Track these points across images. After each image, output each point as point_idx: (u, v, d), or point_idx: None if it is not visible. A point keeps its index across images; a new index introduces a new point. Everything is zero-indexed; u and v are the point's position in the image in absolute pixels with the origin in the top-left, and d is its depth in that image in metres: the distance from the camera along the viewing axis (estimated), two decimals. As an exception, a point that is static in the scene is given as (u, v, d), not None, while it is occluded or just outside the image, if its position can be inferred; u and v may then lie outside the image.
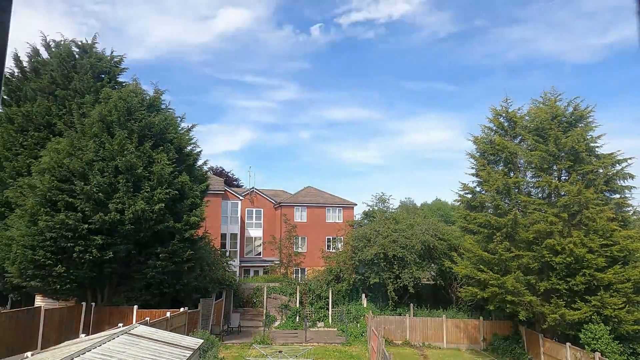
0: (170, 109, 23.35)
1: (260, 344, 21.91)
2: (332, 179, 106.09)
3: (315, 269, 34.29)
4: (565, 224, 20.45)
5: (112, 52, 25.36)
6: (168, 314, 17.54)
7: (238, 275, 36.84)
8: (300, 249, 41.30)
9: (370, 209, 32.00)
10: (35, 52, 24.16)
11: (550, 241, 19.95)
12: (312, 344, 23.02)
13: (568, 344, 18.96)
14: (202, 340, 13.51)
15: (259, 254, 45.09)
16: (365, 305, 27.97)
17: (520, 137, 24.39)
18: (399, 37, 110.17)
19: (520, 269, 21.11)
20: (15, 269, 18.28)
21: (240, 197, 41.67)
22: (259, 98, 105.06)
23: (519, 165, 23.96)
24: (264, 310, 29.12)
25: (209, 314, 23.75)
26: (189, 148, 23.43)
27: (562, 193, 21.76)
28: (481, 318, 25.51)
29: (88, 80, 22.77)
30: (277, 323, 28.66)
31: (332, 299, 29.57)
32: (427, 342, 25.30)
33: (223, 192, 38.25)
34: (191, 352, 10.79)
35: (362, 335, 24.95)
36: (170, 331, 15.71)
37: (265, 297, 29.57)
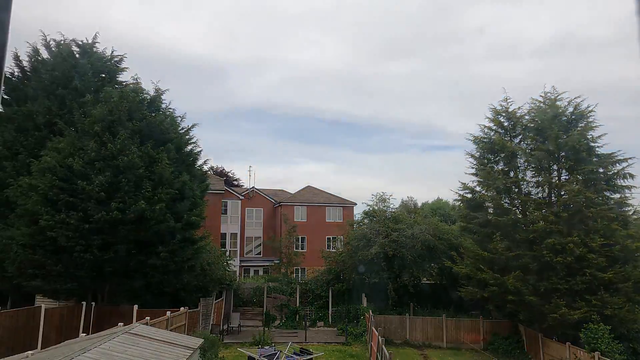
0: (171, 108, 23.38)
1: (259, 343, 21.90)
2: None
3: (315, 268, 34.29)
4: (565, 223, 20.44)
5: (112, 52, 25.38)
6: (168, 314, 17.54)
7: (238, 274, 36.84)
8: (300, 248, 41.30)
9: (371, 209, 31.96)
10: (36, 51, 24.15)
11: (551, 241, 19.94)
12: (312, 343, 23.03)
13: (568, 343, 18.97)
14: (202, 340, 13.53)
15: (259, 253, 45.11)
16: (365, 305, 27.94)
17: (520, 137, 24.38)
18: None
19: (520, 269, 21.12)
20: (15, 268, 18.28)
21: (241, 197, 41.67)
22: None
23: (519, 165, 23.95)
24: (264, 310, 29.11)
25: (209, 314, 23.76)
26: (189, 148, 23.45)
27: (562, 193, 21.77)
28: (481, 318, 25.50)
29: (88, 79, 22.77)
30: (277, 322, 28.65)
31: (332, 298, 29.56)
32: (427, 342, 25.29)
33: (223, 192, 38.26)
34: (191, 352, 10.80)
35: (362, 335, 24.95)
36: (171, 331, 15.73)
37: (265, 296, 29.55)
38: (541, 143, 22.01)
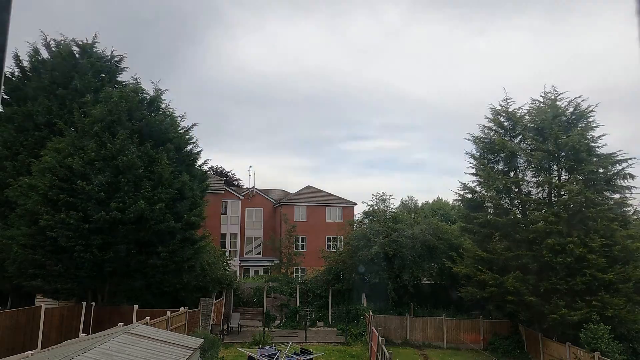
0: (171, 108, 23.36)
1: (259, 343, 21.90)
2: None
3: (315, 268, 34.27)
4: (565, 223, 20.44)
5: (112, 52, 25.37)
6: (168, 314, 17.54)
7: (238, 274, 36.83)
8: (300, 248, 41.29)
9: (371, 209, 31.97)
10: (36, 51, 24.13)
11: (550, 241, 19.94)
12: (312, 343, 23.02)
13: (568, 343, 18.97)
14: (202, 340, 13.51)
15: (259, 253, 45.11)
16: (365, 305, 27.94)
17: (520, 137, 24.36)
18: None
19: (520, 269, 21.11)
20: (15, 268, 18.28)
21: (240, 197, 41.66)
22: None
23: (519, 165, 23.95)
24: (264, 310, 29.11)
25: (209, 314, 23.75)
26: (188, 148, 23.43)
27: (562, 193, 21.76)
28: (481, 318, 25.50)
29: (88, 79, 22.75)
30: (276, 322, 28.65)
31: (332, 298, 29.55)
32: (427, 342, 25.29)
33: (223, 192, 38.25)
34: (191, 352, 10.79)
35: (362, 335, 24.94)
36: (171, 331, 15.73)
37: (265, 296, 29.55)
38: (541, 143, 21.98)
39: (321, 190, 47.55)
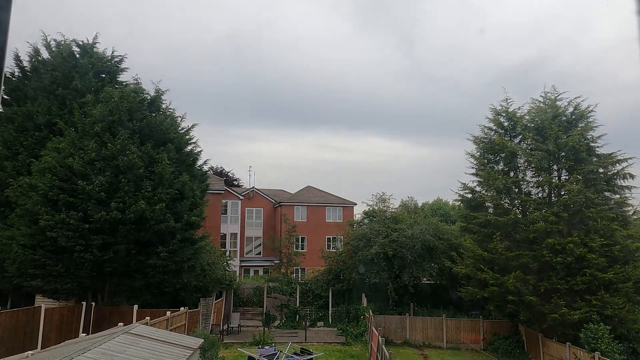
0: (171, 108, 23.39)
1: (259, 343, 21.90)
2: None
3: (315, 268, 34.28)
4: (565, 223, 20.45)
5: (112, 52, 25.36)
6: (168, 314, 17.55)
7: (238, 274, 36.84)
8: (300, 248, 41.30)
9: (371, 209, 31.98)
10: (36, 51, 24.15)
11: (550, 241, 19.95)
12: (312, 343, 23.03)
13: (568, 343, 18.98)
14: (202, 340, 13.53)
15: (259, 253, 45.13)
16: (365, 305, 27.94)
17: (520, 137, 24.37)
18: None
19: (520, 269, 21.12)
20: (15, 268, 18.29)
21: (240, 197, 41.67)
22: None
23: (519, 165, 23.95)
24: (264, 310, 29.12)
25: (209, 314, 23.77)
26: (189, 148, 23.45)
27: (562, 193, 21.77)
28: (481, 318, 25.51)
29: (89, 79, 22.76)
30: (276, 323, 28.66)
31: (332, 298, 29.56)
32: (427, 342, 25.30)
33: (223, 192, 38.26)
34: (191, 352, 10.80)
35: (362, 335, 24.95)
36: (171, 331, 15.74)
37: (265, 296, 29.56)
38: (541, 143, 21.98)
39: (321, 190, 47.57)
